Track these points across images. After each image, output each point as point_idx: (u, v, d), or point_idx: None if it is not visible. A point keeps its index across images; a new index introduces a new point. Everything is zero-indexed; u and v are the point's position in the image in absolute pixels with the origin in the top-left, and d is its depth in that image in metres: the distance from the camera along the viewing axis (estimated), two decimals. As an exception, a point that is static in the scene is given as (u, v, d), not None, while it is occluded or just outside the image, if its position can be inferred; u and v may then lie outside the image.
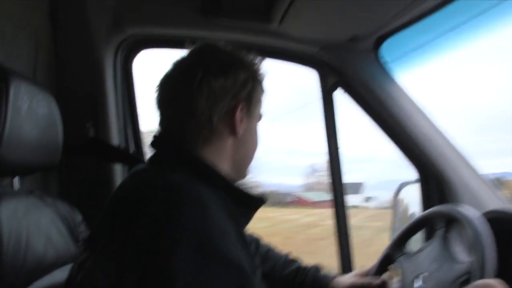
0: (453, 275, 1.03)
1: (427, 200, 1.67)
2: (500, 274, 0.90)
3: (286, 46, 1.66)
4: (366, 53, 1.62)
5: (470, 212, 1.05)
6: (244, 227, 0.98)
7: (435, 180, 1.64)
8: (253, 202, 0.99)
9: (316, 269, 1.39)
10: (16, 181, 1.15)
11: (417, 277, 1.14)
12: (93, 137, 1.53)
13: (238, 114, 0.95)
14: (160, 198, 0.78)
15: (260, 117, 1.06)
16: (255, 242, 1.44)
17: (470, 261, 1.29)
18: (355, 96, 1.68)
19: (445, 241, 1.18)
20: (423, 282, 1.10)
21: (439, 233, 1.21)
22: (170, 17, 1.58)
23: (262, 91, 1.05)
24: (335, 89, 1.72)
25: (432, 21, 1.44)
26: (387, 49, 1.63)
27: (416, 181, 1.75)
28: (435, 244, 1.20)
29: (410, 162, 1.70)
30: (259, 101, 1.04)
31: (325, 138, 1.76)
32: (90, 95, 1.54)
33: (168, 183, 0.82)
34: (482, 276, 0.89)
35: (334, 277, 1.37)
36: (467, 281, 0.97)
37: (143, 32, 1.65)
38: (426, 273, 1.11)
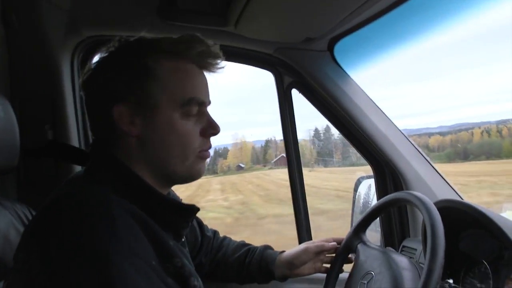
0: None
1: (383, 193, 1.74)
2: (447, 259, 0.95)
3: (243, 47, 1.69)
4: (320, 53, 1.67)
5: (425, 198, 1.08)
6: (178, 235, 0.98)
7: (390, 174, 1.72)
8: (181, 211, 0.97)
9: (264, 247, 1.42)
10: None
11: (366, 274, 1.17)
12: (51, 139, 1.52)
13: (120, 114, 0.90)
14: (68, 214, 0.77)
15: (182, 106, 0.92)
16: (213, 234, 1.47)
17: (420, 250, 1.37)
18: (311, 95, 1.73)
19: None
20: (368, 282, 1.14)
21: None
22: (127, 19, 1.57)
23: (155, 79, 0.91)
24: (291, 88, 1.76)
25: (383, 22, 1.49)
26: (342, 49, 1.68)
27: (372, 176, 1.82)
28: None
29: (366, 158, 1.76)
30: (155, 92, 0.91)
31: (283, 135, 1.80)
32: (47, 97, 1.52)
33: (80, 198, 0.81)
34: (432, 261, 0.92)
35: (282, 252, 1.40)
36: None
37: (100, 34, 1.64)
38: (372, 273, 1.15)
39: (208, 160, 1.03)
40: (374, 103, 1.69)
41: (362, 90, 1.69)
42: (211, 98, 1.00)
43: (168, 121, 0.91)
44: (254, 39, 1.61)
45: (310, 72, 1.66)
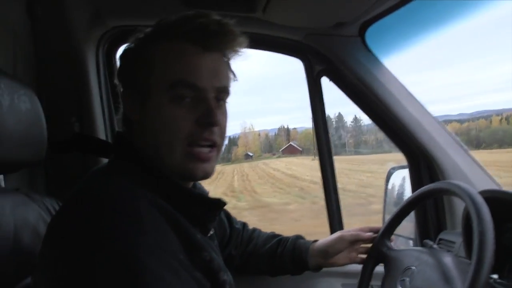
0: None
1: (418, 183, 1.68)
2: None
3: (271, 34, 1.64)
4: (351, 39, 1.61)
5: (468, 187, 1.03)
6: (205, 229, 0.95)
7: (425, 164, 1.65)
8: (208, 205, 0.95)
9: (296, 237, 1.39)
10: (1, 179, 1.13)
11: (405, 270, 1.13)
12: (78, 132, 1.51)
13: (125, 98, 0.92)
14: (91, 207, 0.75)
15: (170, 89, 0.86)
16: (242, 226, 1.44)
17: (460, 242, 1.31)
18: (342, 82, 1.67)
19: None
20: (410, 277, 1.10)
21: None
22: (152, 8, 1.54)
23: (147, 62, 0.88)
24: (321, 76, 1.71)
25: (416, 5, 1.43)
26: (374, 34, 1.62)
27: (406, 166, 1.75)
28: None
29: (399, 147, 1.69)
30: (146, 75, 0.87)
31: (314, 124, 1.76)
32: (73, 89, 1.51)
33: (104, 191, 0.79)
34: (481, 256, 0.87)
35: (315, 241, 1.37)
36: None
37: (124, 24, 1.62)
38: (413, 268, 1.11)
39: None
40: (407, 90, 1.62)
41: (395, 77, 1.62)
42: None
43: (155, 105, 0.86)
44: (283, 26, 1.56)
45: (341, 58, 1.60)
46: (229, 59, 0.95)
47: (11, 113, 0.95)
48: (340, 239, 1.32)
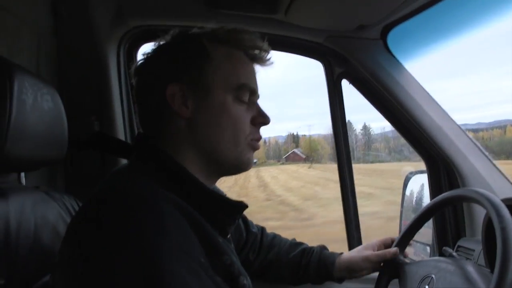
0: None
1: (437, 189, 1.66)
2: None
3: (292, 36, 1.63)
4: (373, 42, 1.60)
5: (491, 194, 1.01)
6: (224, 232, 0.93)
7: (445, 169, 1.63)
8: (229, 207, 0.94)
9: (321, 248, 1.39)
10: (22, 177, 1.14)
11: (424, 279, 1.12)
12: (98, 130, 1.51)
13: (173, 93, 0.89)
14: (112, 208, 0.74)
15: (234, 90, 0.92)
16: (260, 231, 1.43)
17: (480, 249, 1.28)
18: (362, 85, 1.66)
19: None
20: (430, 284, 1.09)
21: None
22: (173, 8, 1.55)
23: (211, 62, 0.92)
24: (341, 79, 1.70)
25: (439, 9, 1.42)
26: (395, 37, 1.60)
27: (424, 171, 1.73)
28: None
29: (418, 152, 1.68)
30: (210, 74, 0.91)
31: (333, 128, 1.74)
32: (94, 88, 1.52)
33: (125, 191, 0.78)
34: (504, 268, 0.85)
35: (341, 254, 1.37)
36: None
37: (145, 24, 1.62)
38: (432, 276, 1.10)
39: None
40: (429, 94, 1.60)
41: (417, 81, 1.60)
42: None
43: (221, 103, 0.91)
44: (304, 27, 1.56)
45: (362, 61, 1.59)
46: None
47: (34, 112, 0.95)
48: (366, 259, 1.32)
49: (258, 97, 1.00)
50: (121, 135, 1.57)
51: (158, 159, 0.88)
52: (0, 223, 0.87)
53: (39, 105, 0.97)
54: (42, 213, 1.01)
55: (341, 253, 1.37)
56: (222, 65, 0.93)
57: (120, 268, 0.65)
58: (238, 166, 0.96)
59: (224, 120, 0.91)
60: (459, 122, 1.58)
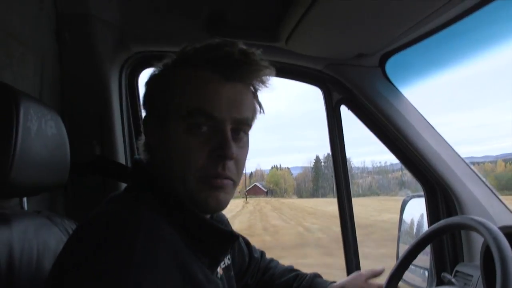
0: None
1: (435, 215, 1.67)
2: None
3: (292, 63, 1.66)
4: (371, 69, 1.63)
5: (489, 223, 1.01)
6: (216, 261, 0.91)
7: (442, 195, 1.64)
8: (219, 236, 0.88)
9: (314, 275, 1.38)
10: (24, 201, 1.14)
11: None
12: (99, 155, 1.52)
13: (145, 124, 0.90)
14: (93, 235, 0.73)
15: (185, 117, 0.82)
16: (260, 255, 1.43)
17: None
18: (361, 111, 1.68)
19: None
20: None
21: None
22: (175, 34, 1.57)
23: (170, 88, 0.86)
24: (340, 105, 1.72)
25: (438, 39, 1.45)
26: (394, 65, 1.63)
27: (422, 195, 1.74)
28: None
29: (417, 178, 1.69)
30: (167, 101, 0.85)
31: (332, 154, 1.76)
32: (96, 113, 1.53)
33: (109, 219, 0.76)
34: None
35: (332, 282, 1.36)
36: None
37: (147, 49, 1.64)
38: None
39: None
40: (427, 121, 1.62)
41: (415, 108, 1.63)
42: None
43: (172, 133, 0.83)
44: (304, 55, 1.59)
45: (361, 88, 1.62)
46: (256, 90, 0.92)
47: (38, 139, 0.96)
48: (358, 275, 1.34)
49: (234, 121, 0.85)
50: (121, 159, 1.57)
51: (151, 187, 0.87)
52: (4, 249, 0.87)
53: (43, 131, 0.98)
54: (44, 238, 1.01)
55: (333, 282, 1.36)
56: (176, 91, 0.84)
57: None
58: (199, 207, 0.85)
59: (172, 154, 0.83)
60: (466, 155, 1.59)
